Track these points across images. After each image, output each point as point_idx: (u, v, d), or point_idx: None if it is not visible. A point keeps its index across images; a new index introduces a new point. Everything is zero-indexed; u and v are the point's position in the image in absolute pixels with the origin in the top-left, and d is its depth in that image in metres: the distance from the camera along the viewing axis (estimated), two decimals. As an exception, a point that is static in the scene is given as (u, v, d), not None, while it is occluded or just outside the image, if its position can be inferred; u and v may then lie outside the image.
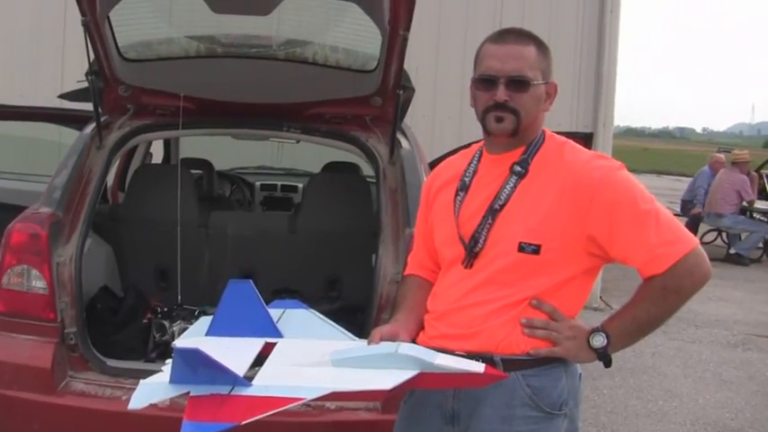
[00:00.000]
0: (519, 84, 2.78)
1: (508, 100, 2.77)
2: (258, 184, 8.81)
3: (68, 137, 6.04)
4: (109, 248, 5.37)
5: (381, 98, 4.81)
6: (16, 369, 4.20)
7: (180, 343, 2.96)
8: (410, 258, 3.30)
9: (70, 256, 4.31)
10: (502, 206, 2.79)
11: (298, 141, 6.54)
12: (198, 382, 2.59)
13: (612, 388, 7.62)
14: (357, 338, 2.99)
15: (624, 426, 6.75)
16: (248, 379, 2.62)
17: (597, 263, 2.82)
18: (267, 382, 2.62)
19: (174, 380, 2.63)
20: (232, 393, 2.56)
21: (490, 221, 2.80)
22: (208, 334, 3.08)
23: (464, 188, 2.93)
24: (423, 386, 2.79)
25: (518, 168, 2.82)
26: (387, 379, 2.58)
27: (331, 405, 4.05)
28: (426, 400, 2.92)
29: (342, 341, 2.96)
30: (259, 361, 2.84)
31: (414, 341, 2.89)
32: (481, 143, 3.01)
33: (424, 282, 3.14)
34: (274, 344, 2.96)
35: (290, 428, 4.01)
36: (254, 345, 2.96)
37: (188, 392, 2.59)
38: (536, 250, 2.72)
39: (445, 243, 2.96)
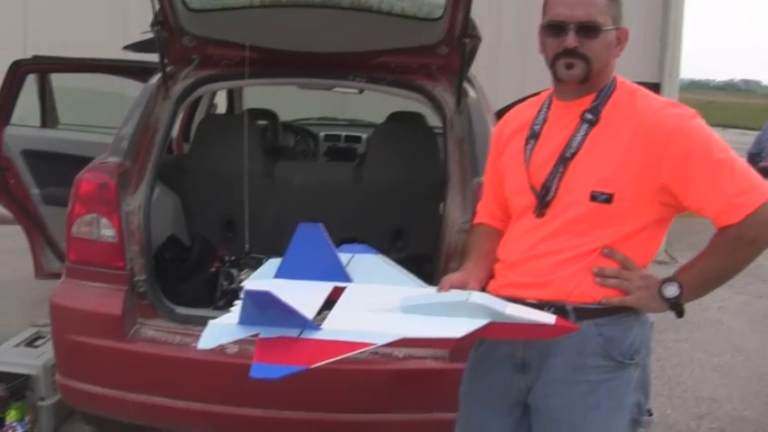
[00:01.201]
0: (589, 30, 2.73)
1: (578, 46, 2.73)
2: (322, 134, 8.80)
3: (131, 89, 6.09)
4: (176, 198, 5.41)
5: (447, 47, 4.75)
6: (87, 316, 4.29)
7: (249, 285, 2.96)
8: (479, 207, 3.29)
9: (138, 205, 4.36)
10: (573, 154, 2.77)
11: (361, 92, 6.52)
12: (267, 324, 2.61)
13: (678, 341, 7.59)
14: (426, 285, 2.99)
15: (690, 379, 6.74)
16: (317, 323, 2.64)
17: (670, 212, 2.79)
18: (336, 327, 2.64)
19: (243, 321, 2.66)
20: (301, 337, 2.58)
21: (561, 170, 2.77)
22: (276, 276, 3.08)
23: (534, 136, 2.90)
24: (492, 336, 2.78)
25: (589, 116, 2.79)
26: (457, 327, 2.58)
27: (399, 353, 4.08)
28: (496, 349, 2.92)
29: (411, 288, 2.96)
30: (328, 305, 2.85)
31: (483, 289, 2.90)
32: (550, 90, 2.97)
33: (494, 230, 3.14)
34: (343, 288, 2.97)
35: (357, 376, 4.05)
36: (323, 289, 2.96)
37: (256, 336, 2.62)
38: (608, 199, 2.70)
39: (516, 192, 2.95)
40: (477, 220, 3.27)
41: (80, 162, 4.63)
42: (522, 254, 2.86)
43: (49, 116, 7.05)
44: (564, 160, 2.78)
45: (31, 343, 5.55)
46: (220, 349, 4.04)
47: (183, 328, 4.29)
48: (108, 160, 4.45)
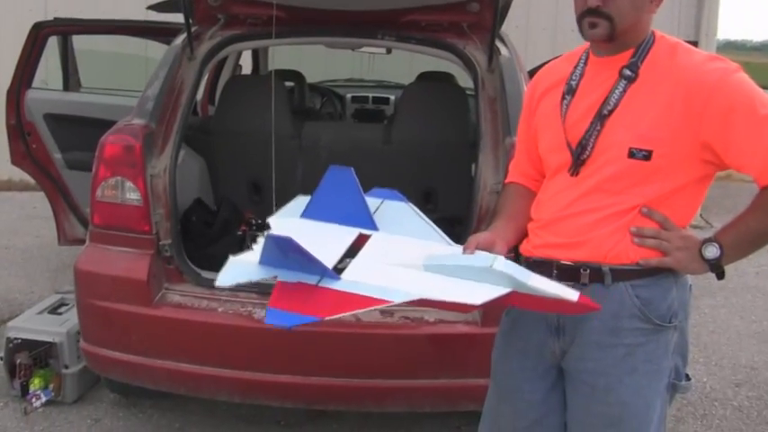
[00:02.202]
0: None
1: (601, 5, 2.67)
2: (349, 96, 8.82)
3: (155, 51, 6.11)
4: (202, 161, 5.41)
5: (479, 3, 4.74)
6: (113, 281, 4.30)
7: (274, 223, 3.02)
8: (511, 166, 3.27)
9: (164, 167, 4.36)
10: (611, 111, 2.72)
11: (389, 51, 6.50)
12: (287, 268, 2.64)
13: (714, 307, 7.55)
14: (453, 243, 2.95)
15: (727, 346, 6.71)
16: (338, 271, 2.66)
17: (710, 170, 2.74)
18: (356, 278, 2.65)
19: (264, 261, 2.68)
20: (320, 285, 2.60)
21: (598, 128, 2.73)
22: (303, 216, 3.10)
23: (571, 92, 2.86)
24: (513, 305, 2.80)
25: (627, 72, 2.74)
26: (477, 293, 2.57)
27: (429, 318, 4.08)
28: (530, 312, 2.88)
29: (437, 244, 2.94)
30: (351, 252, 2.86)
31: (515, 250, 2.89)
32: (587, 45, 2.92)
33: (526, 190, 3.12)
34: (368, 236, 2.96)
35: (387, 341, 4.08)
36: (348, 235, 2.97)
37: (275, 279, 2.65)
38: (647, 156, 2.65)
39: (551, 149, 2.92)
40: (508, 180, 3.25)
41: (103, 125, 4.64)
42: (556, 213, 2.83)
43: (71, 79, 7.08)
44: (601, 117, 2.74)
45: (54, 310, 5.57)
46: (247, 314, 4.09)
47: (210, 292, 4.29)
48: (133, 122, 4.44)
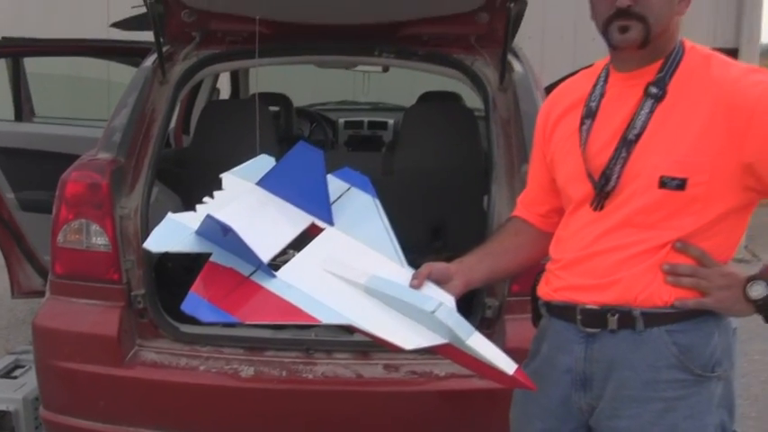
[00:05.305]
0: None
1: (632, 5, 2.69)
2: (342, 121, 8.80)
3: (118, 74, 6.16)
4: (177, 199, 5.43)
5: (488, 13, 4.75)
6: (77, 339, 4.32)
7: (226, 181, 3.24)
8: (520, 199, 3.31)
9: (135, 207, 4.38)
10: (638, 136, 2.74)
11: (386, 69, 6.52)
12: (223, 247, 2.80)
13: (766, 353, 7.53)
14: (405, 264, 3.01)
15: (782, 398, 6.70)
16: (276, 266, 2.82)
17: (753, 198, 2.76)
18: (291, 281, 2.78)
19: (201, 233, 2.85)
20: (251, 278, 2.74)
21: (624, 155, 2.75)
22: (260, 183, 3.22)
23: (590, 114, 2.87)
24: (445, 356, 2.90)
25: (653, 90, 2.75)
26: (412, 336, 2.72)
27: (440, 371, 4.11)
28: (553, 362, 2.93)
29: (389, 260, 3.00)
30: (297, 242, 2.99)
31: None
32: (607, 60, 2.94)
33: (528, 227, 3.18)
34: (320, 229, 3.08)
35: (392, 399, 4.14)
36: (300, 221, 3.09)
37: (209, 255, 2.83)
38: (681, 185, 2.67)
39: (570, 180, 2.93)
40: (513, 213, 3.31)
41: (63, 160, 4.67)
42: (579, 251, 2.85)
43: (24, 107, 7.09)
44: (627, 143, 2.75)
45: (8, 374, 5.56)
46: (233, 372, 4.12)
47: (190, 348, 4.34)
48: (98, 156, 4.47)
